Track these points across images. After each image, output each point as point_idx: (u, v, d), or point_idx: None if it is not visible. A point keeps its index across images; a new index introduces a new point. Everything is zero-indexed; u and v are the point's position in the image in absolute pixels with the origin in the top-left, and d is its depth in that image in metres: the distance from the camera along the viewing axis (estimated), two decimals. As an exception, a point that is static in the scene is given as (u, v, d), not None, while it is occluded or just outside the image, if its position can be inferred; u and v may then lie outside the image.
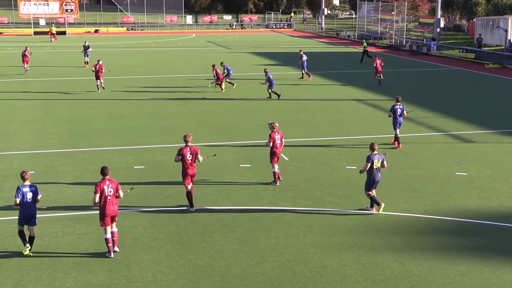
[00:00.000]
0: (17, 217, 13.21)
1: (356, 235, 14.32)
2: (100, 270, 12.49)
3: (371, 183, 15.50)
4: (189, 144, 15.97)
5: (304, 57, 40.23)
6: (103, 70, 35.70)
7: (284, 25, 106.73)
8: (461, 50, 57.75)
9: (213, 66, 36.52)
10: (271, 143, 17.66)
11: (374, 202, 15.72)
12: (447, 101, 32.79)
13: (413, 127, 26.02)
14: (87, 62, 47.34)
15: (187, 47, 66.37)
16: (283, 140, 18.02)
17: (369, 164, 15.29)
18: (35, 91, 35.39)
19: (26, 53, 43.30)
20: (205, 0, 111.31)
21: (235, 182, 18.31)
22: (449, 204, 16.45)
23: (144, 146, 22.64)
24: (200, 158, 16.03)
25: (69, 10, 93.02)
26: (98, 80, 35.42)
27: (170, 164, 19.90)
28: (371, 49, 60.00)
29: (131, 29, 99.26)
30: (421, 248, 13.58)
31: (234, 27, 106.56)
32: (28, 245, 13.13)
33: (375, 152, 15.49)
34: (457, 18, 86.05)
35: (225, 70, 36.01)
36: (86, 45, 48.03)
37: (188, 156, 15.85)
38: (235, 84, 36.41)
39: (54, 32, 78.65)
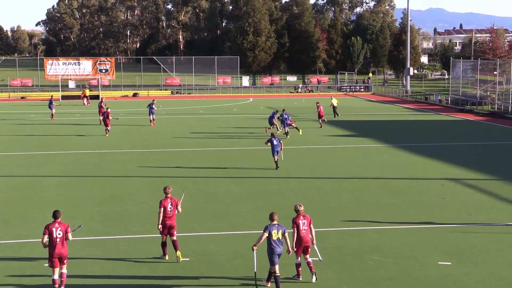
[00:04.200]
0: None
1: None
2: None
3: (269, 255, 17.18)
4: (169, 195, 19.56)
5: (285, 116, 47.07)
6: (110, 117, 48.27)
7: (360, 88, 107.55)
8: None
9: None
10: (295, 230, 17.84)
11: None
12: None
13: (524, 213, 25.48)
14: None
15: (243, 114, 67.40)
16: (312, 226, 18.14)
17: (266, 234, 17.03)
18: (61, 166, 36.41)
19: (102, 104, 54.31)
20: (265, 58, 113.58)
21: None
22: None
23: (190, 233, 22.82)
24: (180, 209, 19.55)
25: (103, 71, 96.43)
26: (107, 127, 47.78)
27: (221, 256, 19.97)
28: (469, 117, 59.48)
29: (176, 92, 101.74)
30: None
31: (299, 90, 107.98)
32: None
33: (275, 222, 17.16)
34: None
35: (280, 117, 46.65)
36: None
37: (169, 208, 19.33)
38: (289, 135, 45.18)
39: (87, 94, 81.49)
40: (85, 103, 79.81)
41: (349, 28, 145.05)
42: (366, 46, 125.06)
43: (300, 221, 17.85)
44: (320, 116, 54.68)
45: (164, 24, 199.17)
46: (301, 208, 18.15)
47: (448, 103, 79.28)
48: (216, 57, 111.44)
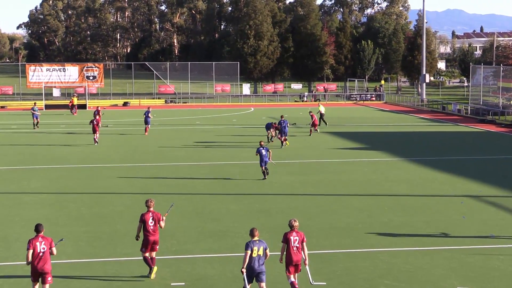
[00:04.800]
0: None
1: None
2: None
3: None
4: (151, 209, 20.16)
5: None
6: (99, 124, 51.74)
7: (371, 96, 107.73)
8: None
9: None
10: (285, 246, 18.30)
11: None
12: None
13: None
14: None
15: (243, 126, 67.47)
16: (304, 245, 18.40)
17: (249, 252, 17.64)
18: (44, 181, 36.40)
19: (99, 114, 56.38)
20: (267, 64, 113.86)
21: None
22: None
23: (184, 255, 22.83)
24: (162, 224, 20.15)
25: (91, 77, 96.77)
26: (95, 134, 50.45)
27: (219, 281, 19.96)
28: (491, 128, 59.55)
29: (171, 101, 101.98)
30: None
31: (305, 98, 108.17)
32: None
33: (255, 238, 17.82)
34: None
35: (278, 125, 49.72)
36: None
37: (150, 222, 19.92)
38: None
39: (75, 103, 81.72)
40: (74, 112, 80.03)
41: (359, 31, 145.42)
42: (377, 51, 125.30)
43: (292, 237, 18.22)
44: (314, 125, 58.56)
45: (157, 26, 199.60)
46: (296, 224, 18.47)
47: (468, 113, 79.31)
48: (214, 62, 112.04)
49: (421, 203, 31.08)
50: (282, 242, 18.39)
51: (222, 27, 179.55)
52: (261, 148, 36.65)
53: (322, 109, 65.85)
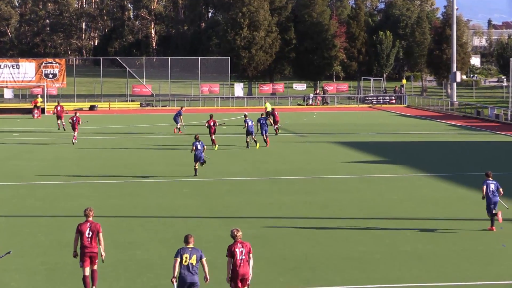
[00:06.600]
0: None
1: None
2: None
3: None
4: (90, 219, 21.20)
5: (250, 122, 55.13)
6: (80, 122, 57.76)
7: (391, 99, 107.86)
8: None
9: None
10: (231, 261, 19.31)
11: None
12: None
13: None
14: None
15: (235, 134, 67.27)
16: (251, 255, 19.46)
17: (178, 259, 19.06)
18: (-6, 202, 36.30)
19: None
20: (264, 60, 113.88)
21: None
22: None
23: (164, 292, 22.77)
24: (102, 239, 21.18)
25: (50, 76, 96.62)
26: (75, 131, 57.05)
27: (205, 323, 19.90)
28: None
29: (147, 105, 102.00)
30: None
31: (311, 101, 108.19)
32: None
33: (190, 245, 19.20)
34: None
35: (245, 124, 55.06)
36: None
37: (88, 234, 20.96)
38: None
39: (39, 104, 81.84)
40: (35, 115, 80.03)
41: (375, 19, 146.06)
42: (398, 44, 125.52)
43: (238, 249, 19.20)
44: (275, 122, 65.42)
45: (131, 14, 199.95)
46: (239, 234, 19.46)
47: (508, 119, 79.38)
48: (199, 57, 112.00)
49: (451, 228, 31.04)
50: (227, 257, 19.35)
51: (210, 14, 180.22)
52: (197, 143, 41.21)
53: (268, 106, 72.89)
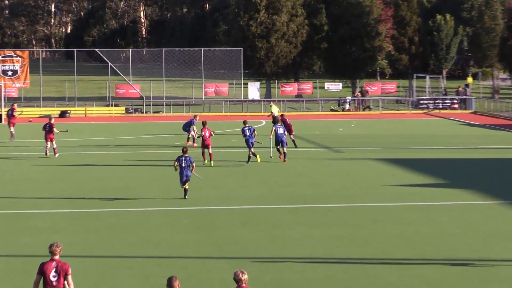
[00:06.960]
0: None
1: None
2: None
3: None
4: (56, 257, 21.04)
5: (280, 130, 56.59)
6: (56, 131, 58.60)
7: (452, 103, 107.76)
8: None
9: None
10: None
11: None
12: None
13: None
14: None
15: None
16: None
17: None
18: None
19: (14, 113, 61.70)
20: (287, 52, 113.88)
21: None
22: None
23: None
24: (71, 284, 21.00)
25: (9, 73, 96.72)
26: (49, 143, 58.30)
27: None
28: None
29: (135, 111, 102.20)
30: None
31: (348, 105, 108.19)
32: None
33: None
34: None
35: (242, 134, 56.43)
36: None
37: (53, 276, 20.81)
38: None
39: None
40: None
41: (431, 0, 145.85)
42: (461, 31, 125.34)
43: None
44: (290, 131, 64.51)
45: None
46: (244, 277, 19.62)
47: None
48: (203, 49, 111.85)
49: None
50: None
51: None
52: (182, 158, 41.98)
53: (274, 110, 73.57)
